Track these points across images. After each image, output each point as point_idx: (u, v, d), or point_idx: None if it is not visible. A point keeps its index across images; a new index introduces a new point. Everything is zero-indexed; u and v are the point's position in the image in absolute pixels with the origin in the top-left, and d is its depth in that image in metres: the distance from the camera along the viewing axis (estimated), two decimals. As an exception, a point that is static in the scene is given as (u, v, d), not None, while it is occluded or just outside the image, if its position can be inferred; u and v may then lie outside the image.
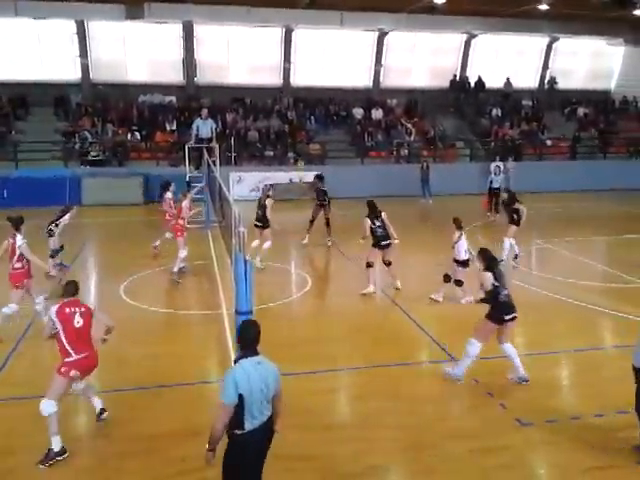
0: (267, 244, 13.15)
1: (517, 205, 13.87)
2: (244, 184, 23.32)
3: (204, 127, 18.24)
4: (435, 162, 26.02)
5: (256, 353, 4.79)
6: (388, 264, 11.84)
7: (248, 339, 4.82)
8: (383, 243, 11.64)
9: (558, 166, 26.98)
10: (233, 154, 24.23)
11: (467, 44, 30.30)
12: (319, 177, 16.77)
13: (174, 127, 25.48)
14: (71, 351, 6.34)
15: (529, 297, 11.48)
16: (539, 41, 31.21)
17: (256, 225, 13.21)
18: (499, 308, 7.67)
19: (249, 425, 4.62)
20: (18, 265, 9.24)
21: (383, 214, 11.78)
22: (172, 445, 6.35)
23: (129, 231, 18.28)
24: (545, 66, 31.92)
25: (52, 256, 12.40)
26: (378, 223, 11.64)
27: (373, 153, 26.81)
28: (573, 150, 28.51)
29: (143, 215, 21.19)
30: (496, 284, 7.66)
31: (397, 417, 7.02)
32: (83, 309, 6.52)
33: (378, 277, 12.24)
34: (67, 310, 6.38)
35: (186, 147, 18.73)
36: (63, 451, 6.14)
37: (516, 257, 13.86)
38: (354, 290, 12.41)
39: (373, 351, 8.96)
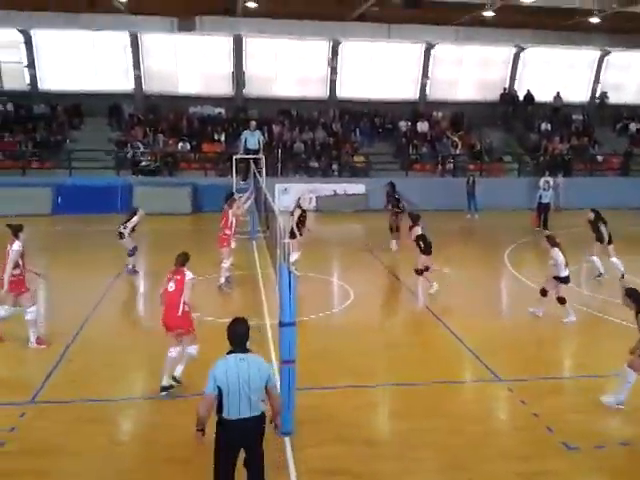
0: (294, 255, 13.05)
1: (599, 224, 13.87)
2: (290, 195, 23.49)
3: (252, 139, 18.51)
4: (482, 176, 25.75)
5: (243, 350, 5.15)
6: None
7: (235, 336, 5.18)
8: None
9: (609, 182, 26.33)
10: (279, 165, 24.48)
11: (516, 57, 29.91)
12: (392, 185, 17.15)
13: (222, 138, 25.93)
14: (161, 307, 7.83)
15: (579, 318, 11.21)
16: (590, 54, 30.58)
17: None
18: None
19: (231, 415, 5.05)
20: (16, 272, 9.25)
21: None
22: (210, 453, 6.41)
23: (177, 240, 18.59)
24: (596, 80, 31.22)
25: (130, 255, 13.74)
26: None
27: (418, 166, 26.70)
28: (625, 166, 27.76)
29: (191, 224, 21.59)
30: None
31: (439, 436, 6.94)
32: (179, 277, 7.74)
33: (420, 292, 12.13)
34: (168, 275, 7.85)
35: (233, 158, 19.03)
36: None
37: (600, 275, 13.78)
38: (396, 303, 12.39)
39: (416, 367, 8.88)
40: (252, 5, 22.66)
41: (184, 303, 7.71)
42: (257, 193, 16.59)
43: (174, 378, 7.90)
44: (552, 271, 10.84)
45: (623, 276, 13.44)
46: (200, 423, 5.15)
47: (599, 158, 28.10)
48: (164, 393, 7.75)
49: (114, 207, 21.82)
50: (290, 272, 6.59)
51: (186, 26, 25.21)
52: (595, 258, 13.75)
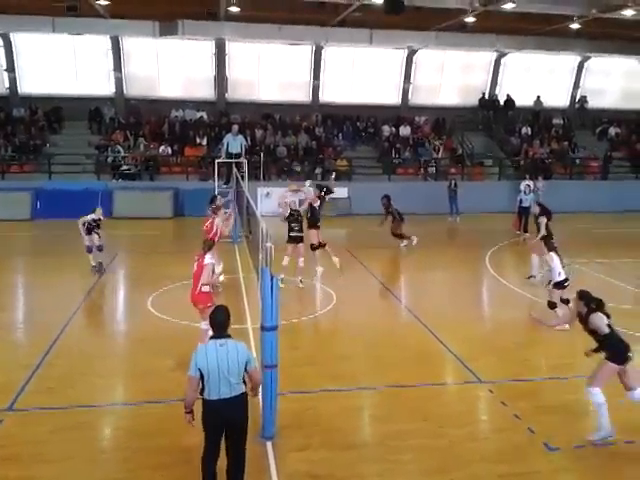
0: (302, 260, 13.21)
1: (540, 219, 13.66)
2: (272, 199, 23.45)
3: (234, 143, 18.48)
4: (463, 180, 25.93)
5: (223, 335, 5.55)
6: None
7: (216, 323, 5.59)
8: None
9: (589, 186, 26.66)
10: (261, 169, 24.44)
11: (497, 62, 30.21)
12: (388, 197, 17.64)
13: (204, 142, 25.84)
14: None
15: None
16: (570, 59, 30.97)
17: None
18: (621, 348, 7.00)
19: (212, 395, 5.41)
20: None
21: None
22: (198, 458, 6.33)
23: (158, 244, 18.51)
24: (576, 85, 31.63)
25: (88, 252, 13.93)
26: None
27: (400, 170, 26.82)
28: (604, 170, 28.12)
29: (172, 228, 21.47)
30: (610, 323, 7.11)
31: (422, 439, 6.95)
32: (200, 260, 8.85)
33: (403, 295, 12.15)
34: (195, 257, 9.03)
35: (216, 162, 18.97)
36: None
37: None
38: (379, 307, 12.42)
39: (398, 370, 8.89)
40: (235, 9, 22.63)
41: (202, 283, 8.74)
42: (239, 197, 16.55)
43: None
44: (549, 277, 10.90)
45: (530, 277, 13.72)
46: (187, 405, 5.54)
47: (579, 162, 28.43)
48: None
49: (94, 211, 21.62)
50: (272, 276, 6.58)
51: (168, 30, 25.10)
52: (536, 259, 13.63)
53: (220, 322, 5.59)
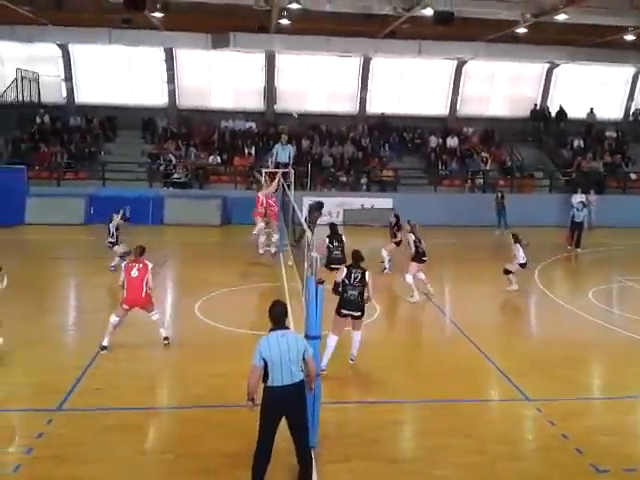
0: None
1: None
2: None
3: (283, 152, 18.61)
4: (512, 192, 25.49)
5: (282, 327, 5.96)
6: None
7: (275, 316, 5.99)
8: (332, 266, 11.97)
9: (643, 201, 25.79)
10: (308, 179, 24.59)
11: (549, 73, 29.66)
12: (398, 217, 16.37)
13: (253, 152, 26.19)
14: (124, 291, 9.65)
15: (608, 337, 11.03)
16: (624, 71, 30.16)
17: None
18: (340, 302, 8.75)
19: (275, 382, 5.78)
20: None
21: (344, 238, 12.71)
22: (237, 465, 6.42)
23: (206, 251, 18.82)
24: (630, 97, 30.76)
25: (122, 257, 14.35)
26: (336, 244, 12.51)
27: (447, 181, 26.57)
28: (659, 184, 27.21)
29: (220, 236, 21.78)
30: (346, 281, 8.63)
31: (464, 455, 6.83)
32: (140, 265, 9.56)
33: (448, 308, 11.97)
34: (130, 264, 9.70)
35: (263, 171, 19.17)
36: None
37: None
38: (423, 320, 12.31)
39: (442, 384, 8.78)
40: (285, 22, 22.93)
41: (147, 286, 9.56)
42: (285, 206, 16.69)
43: (165, 338, 9.84)
44: (515, 259, 14.00)
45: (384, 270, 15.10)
46: (249, 392, 5.85)
47: (633, 176, 27.60)
48: (104, 352, 9.42)
49: (145, 218, 22.16)
50: (317, 285, 6.60)
51: (220, 42, 25.63)
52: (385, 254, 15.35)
53: (279, 315, 5.99)
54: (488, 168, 26.79)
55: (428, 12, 20.26)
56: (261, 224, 15.75)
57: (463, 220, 23.03)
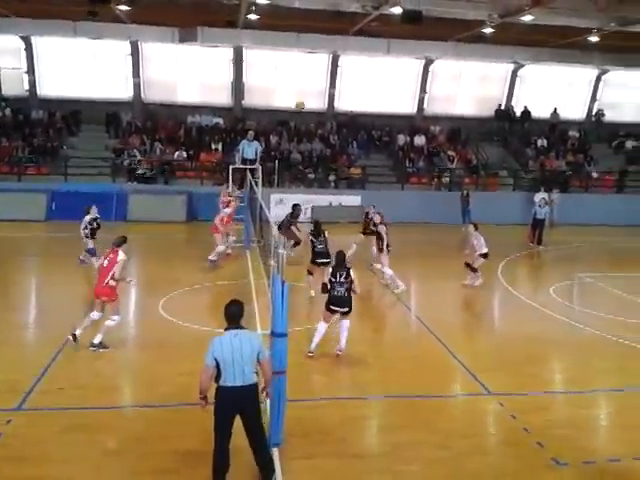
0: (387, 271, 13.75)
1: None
2: (285, 206, 23.52)
3: (249, 149, 18.54)
4: (477, 190, 25.89)
5: (237, 326, 5.88)
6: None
7: (229, 315, 5.91)
8: (318, 260, 12.43)
9: (604, 199, 26.42)
10: (276, 176, 24.52)
11: (514, 73, 30.12)
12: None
13: (220, 148, 25.98)
14: (95, 281, 9.67)
15: (570, 333, 11.26)
16: (588, 72, 30.80)
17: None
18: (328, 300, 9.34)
19: (227, 381, 5.75)
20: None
21: (326, 233, 12.74)
22: (200, 463, 6.37)
23: (171, 248, 18.60)
24: (593, 98, 31.45)
25: (90, 253, 14.20)
26: (320, 239, 12.60)
27: (414, 179, 26.79)
28: (620, 184, 27.89)
29: (185, 233, 21.57)
30: (332, 279, 9.11)
31: (428, 450, 6.90)
32: (112, 256, 9.40)
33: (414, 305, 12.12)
34: (106, 254, 9.59)
35: (230, 167, 19.06)
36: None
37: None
38: (389, 316, 12.40)
39: (407, 380, 8.85)
40: (254, 17, 22.78)
41: (112, 277, 9.34)
42: (252, 203, 16.62)
43: (92, 344, 9.42)
44: (476, 249, 14.02)
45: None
46: (201, 391, 5.87)
47: (595, 175, 28.23)
48: (75, 342, 9.41)
49: (109, 214, 21.77)
50: (283, 282, 6.58)
51: (187, 37, 25.34)
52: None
53: (233, 314, 5.91)
54: (454, 166, 27.11)
55: (396, 11, 20.37)
56: (221, 247, 15.25)
57: (430, 217, 23.25)
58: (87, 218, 14.26)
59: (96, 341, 9.47)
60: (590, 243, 21.28)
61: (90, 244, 14.18)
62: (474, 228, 14.44)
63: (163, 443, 6.83)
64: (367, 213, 16.04)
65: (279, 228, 14.75)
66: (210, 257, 15.07)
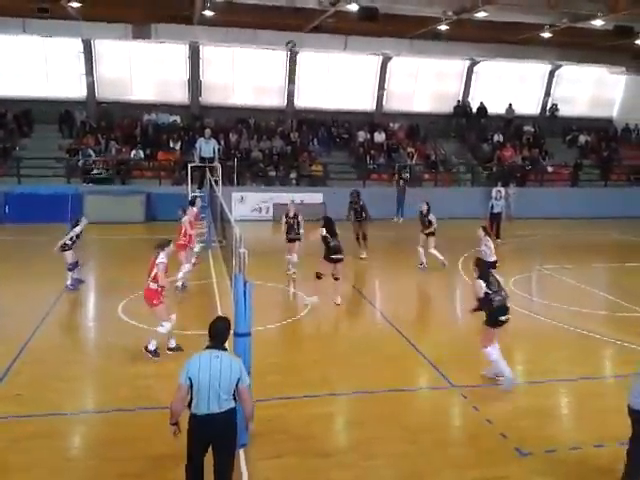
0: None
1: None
2: (246, 204, 23.41)
3: (207, 147, 18.33)
4: (436, 186, 26.22)
5: (219, 347, 5.32)
6: (336, 279, 12.42)
7: (215, 333, 5.38)
8: (333, 256, 12.25)
9: (559, 193, 27.03)
10: (236, 174, 24.32)
11: (470, 70, 30.57)
12: (357, 193, 17.53)
13: (178, 146, 25.62)
14: None
15: (529, 324, 11.45)
16: (541, 68, 31.50)
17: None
18: (493, 312, 8.34)
19: (200, 409, 5.16)
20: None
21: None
22: (164, 467, 6.28)
23: (130, 249, 18.25)
24: (547, 93, 32.18)
25: (70, 269, 13.05)
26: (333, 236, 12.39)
27: (375, 175, 26.93)
28: (574, 177, 28.61)
29: (144, 233, 21.16)
30: (488, 291, 8.30)
31: (395, 445, 6.94)
32: (153, 258, 9.18)
33: (377, 300, 12.16)
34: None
35: (189, 166, 18.81)
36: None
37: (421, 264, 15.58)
38: (352, 312, 12.42)
39: (370, 376, 8.88)
40: (209, 14, 22.51)
41: (153, 279, 9.07)
42: (213, 202, 16.42)
43: (146, 348, 9.24)
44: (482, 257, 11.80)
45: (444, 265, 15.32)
46: (173, 415, 5.30)
47: (549, 169, 28.88)
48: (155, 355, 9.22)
49: (64, 216, 21.19)
50: (246, 282, 6.51)
51: (141, 33, 24.84)
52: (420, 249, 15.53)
53: (218, 332, 5.37)
54: (414, 162, 27.36)
55: (353, 7, 20.40)
56: (186, 266, 13.02)
57: (390, 213, 23.42)
58: (77, 229, 13.04)
59: (151, 347, 9.24)
60: (547, 236, 21.75)
61: (70, 258, 13.02)
62: (483, 232, 12.98)
63: (127, 447, 6.69)
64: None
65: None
66: (177, 283, 12.94)
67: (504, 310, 8.39)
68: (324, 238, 12.28)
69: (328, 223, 12.53)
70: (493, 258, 12.49)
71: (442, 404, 8.16)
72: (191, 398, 5.20)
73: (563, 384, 8.93)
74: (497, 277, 8.66)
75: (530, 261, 17.64)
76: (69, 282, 13.07)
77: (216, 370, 5.16)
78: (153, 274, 9.12)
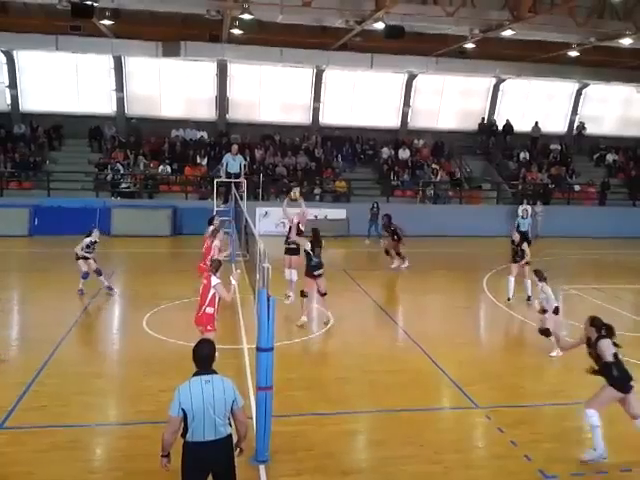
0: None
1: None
2: (270, 219, 23.52)
3: (234, 163, 18.50)
4: (461, 204, 26.09)
5: (208, 372, 5.09)
6: (323, 294, 12.11)
7: (200, 358, 5.13)
8: (316, 273, 11.89)
9: (586, 212, 26.72)
10: (260, 189, 24.50)
11: (496, 88, 30.49)
12: (389, 216, 18.25)
13: (204, 162, 25.93)
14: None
15: (555, 345, 11.25)
16: (569, 86, 31.27)
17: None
18: (624, 377, 7.06)
19: (196, 437, 4.97)
20: None
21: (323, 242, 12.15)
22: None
23: (156, 263, 18.47)
24: (574, 111, 31.89)
25: (83, 278, 13.65)
26: (317, 250, 11.88)
27: (399, 192, 26.90)
28: (602, 196, 28.24)
29: (170, 247, 21.44)
30: (616, 352, 7.09)
31: (417, 464, 6.85)
32: (205, 281, 9.03)
33: (401, 318, 12.11)
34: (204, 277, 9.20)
35: (215, 181, 19.01)
36: None
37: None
38: (376, 329, 12.35)
39: (394, 394, 8.80)
40: (237, 32, 22.86)
41: (209, 304, 8.91)
42: (238, 216, 16.55)
43: None
44: (544, 306, 10.86)
45: (529, 298, 14.21)
46: (164, 448, 5.10)
47: (576, 188, 28.56)
48: None
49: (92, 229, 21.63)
50: (269, 297, 6.53)
51: (170, 51, 25.31)
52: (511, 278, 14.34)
53: (205, 356, 5.14)
54: (438, 180, 27.29)
55: (379, 26, 20.55)
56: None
57: (415, 230, 23.32)
58: (87, 240, 13.63)
59: None
60: (574, 255, 21.47)
61: (84, 267, 13.58)
62: (537, 277, 11.30)
63: (149, 461, 6.68)
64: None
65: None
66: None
67: (630, 376, 7.12)
68: (307, 254, 12.00)
69: (315, 236, 12.17)
70: (555, 304, 10.86)
71: (466, 424, 8.05)
72: (185, 427, 4.99)
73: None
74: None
75: (556, 281, 17.33)
76: (80, 286, 13.63)
77: (209, 396, 4.95)
78: (209, 298, 8.89)
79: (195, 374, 5.10)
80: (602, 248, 23.10)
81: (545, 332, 9.72)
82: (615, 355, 7.05)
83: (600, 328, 7.16)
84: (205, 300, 8.93)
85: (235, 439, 5.25)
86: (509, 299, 14.20)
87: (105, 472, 6.65)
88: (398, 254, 17.81)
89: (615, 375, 7.00)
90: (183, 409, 4.92)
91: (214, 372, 5.14)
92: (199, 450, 4.98)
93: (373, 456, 7.20)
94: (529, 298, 14.22)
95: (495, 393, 8.93)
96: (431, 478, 6.60)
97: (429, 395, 8.96)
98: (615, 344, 7.09)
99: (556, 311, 10.74)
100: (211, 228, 13.41)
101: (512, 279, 14.22)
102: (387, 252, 18.06)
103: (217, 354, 5.35)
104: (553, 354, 10.51)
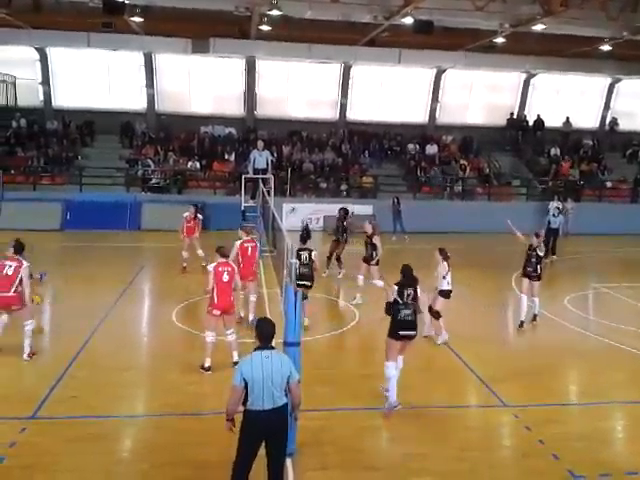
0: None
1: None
2: (297, 215, 23.58)
3: (260, 158, 18.63)
4: (490, 200, 25.81)
5: (268, 347, 5.61)
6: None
7: (262, 335, 5.66)
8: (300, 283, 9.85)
9: (619, 209, 26.20)
10: (288, 185, 24.60)
11: (526, 82, 30.05)
12: (345, 211, 16.27)
13: (232, 158, 26.11)
14: (215, 298, 9.06)
15: (585, 344, 11.15)
16: (601, 81, 30.68)
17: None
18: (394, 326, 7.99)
19: (255, 405, 5.47)
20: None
21: (313, 253, 11.14)
22: (212, 474, 6.37)
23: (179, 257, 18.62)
24: (606, 106, 31.29)
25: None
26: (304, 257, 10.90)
27: (426, 188, 26.74)
28: (634, 193, 27.68)
29: (198, 241, 21.57)
30: (398, 299, 8.01)
31: (443, 462, 6.84)
32: (230, 268, 9.14)
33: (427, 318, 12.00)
34: (219, 269, 9.08)
35: (242, 177, 19.14)
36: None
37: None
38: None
39: (420, 391, 8.80)
40: (266, 28, 22.94)
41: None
42: (265, 212, 16.64)
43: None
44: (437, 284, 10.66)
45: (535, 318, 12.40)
46: (228, 413, 5.63)
47: (608, 184, 28.04)
48: (208, 372, 9.07)
49: (122, 224, 21.98)
50: (296, 292, 6.57)
51: (200, 48, 25.53)
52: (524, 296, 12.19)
53: (267, 334, 5.65)
54: (466, 176, 27.04)
55: (408, 21, 20.43)
56: (252, 297, 11.66)
57: (442, 227, 23.16)
58: None
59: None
60: (604, 253, 21.10)
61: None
62: (442, 257, 10.92)
63: (177, 452, 6.82)
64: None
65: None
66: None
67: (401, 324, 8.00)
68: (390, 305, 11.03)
69: (303, 241, 11.38)
70: (447, 287, 10.72)
71: (493, 423, 8.01)
72: (246, 396, 5.50)
73: (619, 407, 8.63)
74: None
75: (587, 279, 17.14)
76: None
77: (268, 369, 5.47)
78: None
79: (256, 349, 5.61)
80: (634, 246, 22.64)
81: (436, 314, 10.49)
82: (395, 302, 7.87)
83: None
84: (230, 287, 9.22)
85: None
86: (522, 324, 11.99)
87: (130, 464, 6.76)
88: (338, 259, 15.82)
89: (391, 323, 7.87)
90: (245, 379, 5.44)
91: (273, 348, 5.64)
92: (257, 417, 5.49)
93: (398, 452, 7.20)
94: (535, 318, 12.31)
95: (523, 391, 8.84)
96: (456, 476, 6.58)
97: (456, 392, 8.93)
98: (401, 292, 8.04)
99: (445, 295, 10.69)
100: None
101: (525, 297, 12.04)
102: (330, 256, 15.93)
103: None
104: (439, 341, 10.72)
